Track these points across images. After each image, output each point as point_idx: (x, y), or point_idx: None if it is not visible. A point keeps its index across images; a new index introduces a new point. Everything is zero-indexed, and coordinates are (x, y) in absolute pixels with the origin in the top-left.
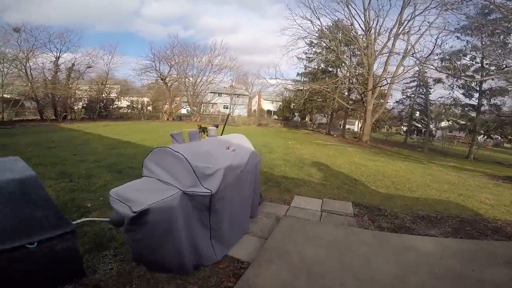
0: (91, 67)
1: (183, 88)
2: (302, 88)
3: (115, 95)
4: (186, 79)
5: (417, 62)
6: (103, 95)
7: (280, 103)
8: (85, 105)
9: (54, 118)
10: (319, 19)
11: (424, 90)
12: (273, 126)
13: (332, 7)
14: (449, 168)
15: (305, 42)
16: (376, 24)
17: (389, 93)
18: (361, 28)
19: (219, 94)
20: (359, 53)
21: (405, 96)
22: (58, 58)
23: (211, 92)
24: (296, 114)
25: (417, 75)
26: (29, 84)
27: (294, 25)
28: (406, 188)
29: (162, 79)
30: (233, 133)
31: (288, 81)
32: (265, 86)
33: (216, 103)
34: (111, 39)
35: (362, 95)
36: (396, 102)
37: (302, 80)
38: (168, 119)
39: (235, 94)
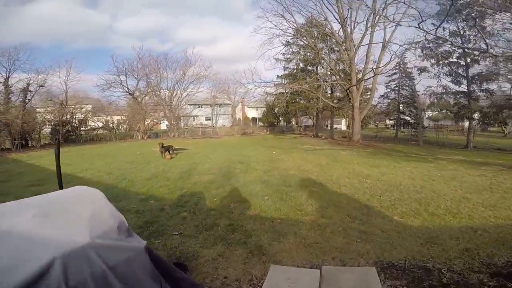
0: (43, 86)
1: (158, 102)
2: (283, 90)
3: (81, 115)
4: (160, 93)
5: (398, 51)
6: (67, 117)
7: (264, 109)
8: (48, 130)
9: (8, 147)
10: (292, 16)
11: (408, 82)
12: (258, 134)
13: (304, 3)
14: (463, 165)
15: (281, 42)
16: (351, 16)
17: (374, 86)
18: (337, 20)
19: (199, 106)
20: (337, 48)
21: (389, 90)
22: (7, 78)
23: (190, 105)
24: (281, 118)
25: (397, 66)
26: None
27: (268, 24)
28: (443, 210)
29: (130, 94)
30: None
31: (267, 83)
32: (248, 93)
33: (197, 115)
34: (88, 56)
35: (348, 91)
36: (381, 96)
37: (283, 82)
38: (142, 138)
39: (217, 104)
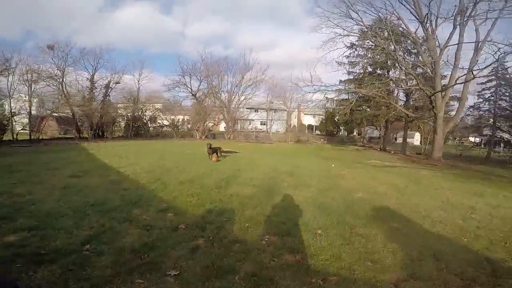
0: (118, 83)
1: (217, 104)
2: (347, 95)
3: (151, 113)
4: (220, 95)
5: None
6: (137, 114)
7: (322, 116)
8: (123, 124)
9: (86, 136)
10: (358, 14)
11: (510, 91)
12: (314, 143)
13: (371, 2)
14: None
15: (345, 44)
16: (430, 13)
17: (465, 94)
18: (416, 18)
19: (255, 110)
20: (414, 50)
21: (481, 100)
22: (93, 75)
23: (247, 108)
24: (342, 128)
25: (495, 72)
26: (64, 100)
27: (329, 24)
28: None
29: (193, 95)
30: None
31: (328, 87)
32: (305, 100)
33: (253, 119)
34: (162, 59)
35: (432, 97)
36: (471, 107)
37: (346, 87)
38: (200, 137)
39: (272, 109)
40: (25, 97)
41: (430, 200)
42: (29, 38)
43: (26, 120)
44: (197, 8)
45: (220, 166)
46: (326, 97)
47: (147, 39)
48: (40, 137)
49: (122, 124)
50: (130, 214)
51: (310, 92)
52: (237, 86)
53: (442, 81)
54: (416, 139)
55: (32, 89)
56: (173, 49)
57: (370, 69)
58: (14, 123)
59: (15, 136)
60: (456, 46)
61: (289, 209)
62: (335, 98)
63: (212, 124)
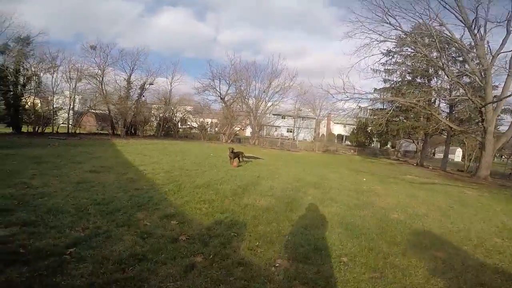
0: (152, 84)
1: (245, 109)
2: (382, 105)
3: (181, 115)
4: (248, 100)
5: None
6: (168, 115)
7: (354, 126)
8: (154, 123)
9: (119, 133)
10: (396, 20)
11: None
12: (343, 153)
13: (409, 8)
14: None
15: (381, 52)
16: (477, 17)
17: None
18: (462, 23)
19: (282, 117)
20: (461, 58)
21: None
22: (130, 75)
23: (274, 114)
24: (375, 139)
25: None
26: (102, 98)
27: (363, 30)
28: None
29: (221, 98)
30: None
31: (362, 95)
32: (336, 108)
33: (279, 126)
34: (194, 64)
35: (482, 109)
36: None
37: (382, 95)
38: (226, 141)
39: (300, 117)
40: (69, 93)
41: (482, 224)
42: (77, 39)
43: (66, 115)
44: (229, 15)
45: (240, 171)
46: (359, 106)
47: (182, 43)
48: (78, 131)
49: (154, 123)
50: (132, 217)
51: (342, 100)
52: (264, 92)
53: (493, 91)
54: (457, 155)
55: (75, 87)
56: (205, 54)
57: (409, 78)
58: (56, 117)
59: (55, 130)
60: (511, 53)
61: (310, 228)
62: (368, 107)
63: (238, 128)
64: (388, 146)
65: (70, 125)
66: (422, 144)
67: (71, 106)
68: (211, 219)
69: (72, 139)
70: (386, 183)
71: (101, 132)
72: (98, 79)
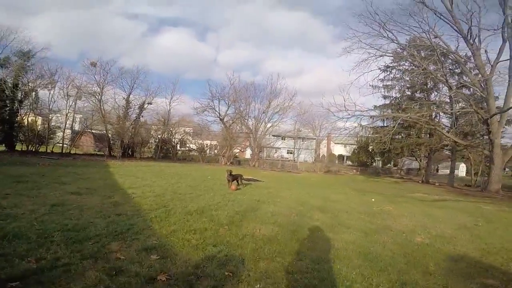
0: (151, 104)
1: (244, 130)
2: (382, 122)
3: (180, 136)
4: (247, 120)
5: None
6: (166, 136)
7: (355, 146)
8: (153, 145)
9: (115, 155)
10: (392, 33)
11: None
12: (345, 174)
13: (404, 22)
14: None
15: (378, 68)
16: (471, 27)
17: None
18: (457, 33)
19: (282, 138)
20: (458, 70)
21: None
22: (129, 94)
23: (273, 136)
24: (377, 158)
25: None
26: (100, 117)
27: (361, 45)
28: None
29: (220, 119)
30: None
31: (364, 113)
32: (336, 127)
33: (279, 148)
34: (195, 85)
35: (488, 121)
36: None
37: (382, 112)
38: (226, 163)
39: (300, 138)
40: (66, 111)
41: None
42: (80, 58)
43: (63, 134)
44: (228, 35)
45: (239, 195)
46: (360, 124)
47: (183, 64)
48: (73, 152)
49: (153, 145)
50: (104, 248)
51: (343, 118)
52: (264, 113)
53: (495, 102)
54: (461, 170)
55: (71, 104)
56: (205, 75)
57: (408, 93)
58: (52, 136)
59: (51, 149)
60: (509, 61)
61: (323, 261)
62: (369, 126)
63: (238, 150)
64: (391, 165)
65: (65, 145)
66: (426, 161)
67: (67, 125)
68: (201, 253)
69: (65, 159)
70: (397, 203)
71: (98, 153)
72: (97, 97)
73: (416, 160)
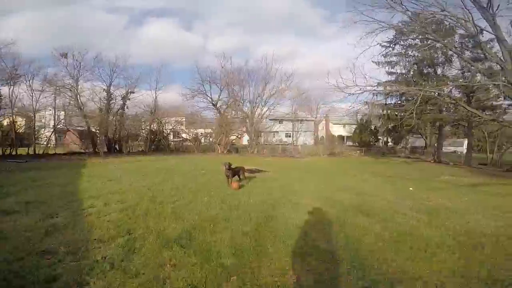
0: (133, 92)
1: (240, 115)
2: (388, 99)
3: (171, 126)
4: (241, 104)
5: None
6: (155, 127)
7: (354, 125)
8: (141, 138)
9: (96, 151)
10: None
11: None
12: (350, 155)
13: None
14: None
15: (379, 44)
16: None
17: None
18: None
19: (279, 121)
20: (469, 44)
21: None
22: (109, 85)
23: (270, 120)
24: (382, 137)
25: None
26: (77, 112)
27: (363, 18)
28: None
29: (213, 104)
30: None
31: (374, 87)
32: (333, 109)
33: (277, 131)
34: (186, 75)
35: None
36: None
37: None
38: (222, 152)
39: (298, 120)
40: (33, 108)
41: None
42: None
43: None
44: (216, 23)
45: (243, 197)
46: (366, 102)
47: (170, 55)
48: (57, 152)
49: (142, 138)
50: None
51: (354, 94)
52: (259, 96)
53: None
54: (465, 147)
55: (37, 100)
56: (194, 64)
57: (415, 68)
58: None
59: (30, 151)
60: None
61: None
62: (376, 102)
63: (234, 137)
64: (401, 143)
65: (50, 145)
66: (437, 138)
67: (46, 123)
68: None
69: (36, 162)
70: (437, 191)
71: (84, 151)
72: (72, 90)
73: (422, 137)
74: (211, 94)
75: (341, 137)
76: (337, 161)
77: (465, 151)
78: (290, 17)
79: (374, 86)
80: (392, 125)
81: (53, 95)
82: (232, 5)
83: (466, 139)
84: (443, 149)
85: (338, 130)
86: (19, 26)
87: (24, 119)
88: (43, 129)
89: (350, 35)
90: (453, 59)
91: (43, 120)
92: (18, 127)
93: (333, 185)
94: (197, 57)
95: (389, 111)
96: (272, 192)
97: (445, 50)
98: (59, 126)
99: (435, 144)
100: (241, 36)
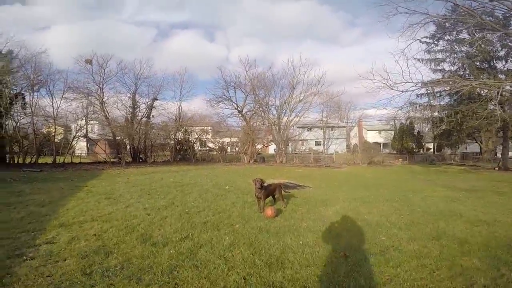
0: (156, 99)
1: (266, 123)
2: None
3: (196, 135)
4: (268, 109)
5: None
6: (180, 136)
7: (392, 131)
8: (164, 147)
9: (127, 161)
10: None
11: None
12: (392, 164)
13: None
14: None
15: (419, 41)
16: None
17: None
18: None
19: (308, 129)
20: None
21: None
22: (134, 93)
23: (298, 127)
24: (426, 143)
25: None
26: (106, 120)
27: (399, 11)
28: None
29: (238, 111)
30: None
31: (429, 83)
32: (365, 115)
33: (306, 139)
34: (210, 84)
35: None
36: None
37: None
38: (249, 161)
39: (329, 127)
40: (53, 115)
41: None
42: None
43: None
44: (235, 33)
45: (287, 237)
46: (413, 103)
47: (195, 66)
48: (85, 161)
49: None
50: None
51: (406, 92)
52: (286, 103)
53: None
54: None
55: (60, 108)
56: (219, 71)
57: (469, 63)
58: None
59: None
60: None
61: None
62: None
63: (261, 146)
64: (456, 149)
65: (82, 154)
66: (494, 142)
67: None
68: None
69: (52, 171)
70: None
71: (107, 161)
72: (98, 98)
73: (477, 142)
74: (236, 100)
75: (377, 144)
76: (383, 171)
77: None
78: (309, 24)
79: (428, 81)
80: (448, 128)
81: (80, 103)
82: (248, 15)
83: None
84: (497, 154)
85: (373, 137)
86: (50, 39)
87: (62, 128)
88: (76, 139)
89: (365, 47)
90: None
91: (73, 129)
92: (51, 137)
93: (416, 208)
94: (221, 67)
95: (445, 112)
96: (332, 226)
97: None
98: (89, 135)
99: (494, 149)
100: (260, 45)
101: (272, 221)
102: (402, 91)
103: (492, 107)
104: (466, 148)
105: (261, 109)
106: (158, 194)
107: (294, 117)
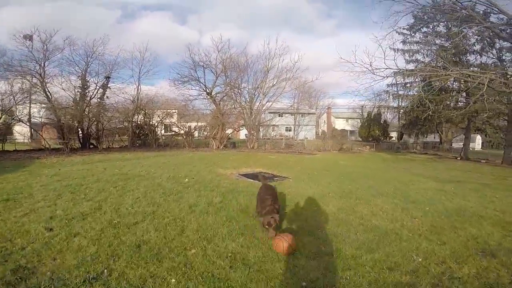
0: (109, 78)
1: (237, 106)
2: (407, 90)
3: (158, 118)
4: (240, 91)
5: None
6: (140, 119)
7: (358, 120)
8: (123, 132)
9: (75, 147)
10: None
11: None
12: (361, 151)
13: None
14: None
15: (396, 31)
16: None
17: None
18: None
19: (280, 115)
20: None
21: None
22: (85, 72)
23: (270, 112)
24: (394, 132)
25: None
26: (49, 101)
27: None
28: None
29: (207, 93)
30: None
31: (407, 71)
32: (334, 103)
33: (277, 125)
34: (177, 68)
35: None
36: None
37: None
38: (218, 147)
39: (299, 113)
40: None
41: None
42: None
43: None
44: (211, 18)
45: (280, 274)
46: (386, 91)
47: (163, 49)
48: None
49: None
50: None
51: (383, 78)
52: (259, 87)
53: None
54: (477, 143)
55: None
56: (186, 53)
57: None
58: None
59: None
60: None
61: None
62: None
63: (232, 130)
64: (425, 138)
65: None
66: (464, 133)
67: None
68: None
69: None
70: None
71: (57, 147)
72: (37, 78)
73: (438, 132)
74: (205, 82)
75: (345, 131)
76: (355, 158)
77: (477, 147)
78: (287, 13)
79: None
80: (420, 117)
81: (18, 83)
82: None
83: (478, 135)
84: (452, 144)
85: (340, 124)
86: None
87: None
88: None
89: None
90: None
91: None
92: None
93: (421, 205)
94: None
95: (419, 100)
96: (331, 239)
97: (479, 38)
98: (33, 119)
99: (451, 140)
100: (235, 31)
101: (255, 246)
102: (383, 77)
103: (462, 99)
104: (426, 137)
105: (232, 91)
106: (86, 193)
107: (266, 102)
